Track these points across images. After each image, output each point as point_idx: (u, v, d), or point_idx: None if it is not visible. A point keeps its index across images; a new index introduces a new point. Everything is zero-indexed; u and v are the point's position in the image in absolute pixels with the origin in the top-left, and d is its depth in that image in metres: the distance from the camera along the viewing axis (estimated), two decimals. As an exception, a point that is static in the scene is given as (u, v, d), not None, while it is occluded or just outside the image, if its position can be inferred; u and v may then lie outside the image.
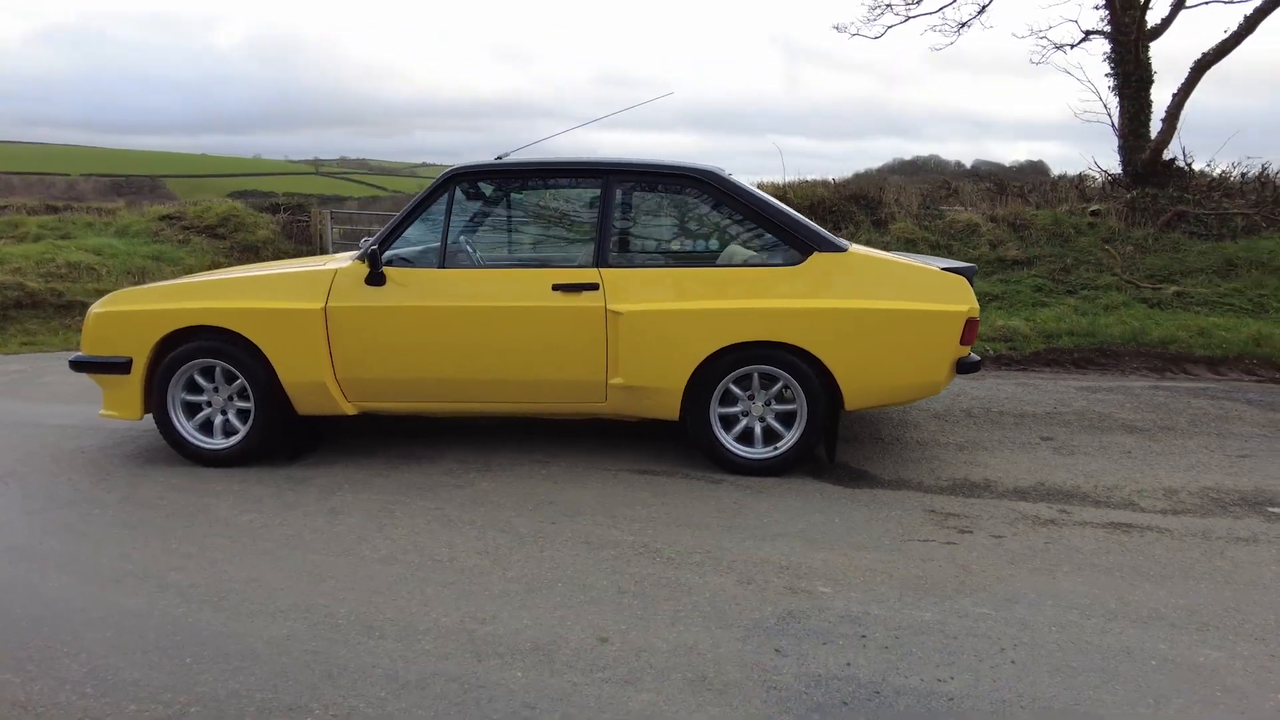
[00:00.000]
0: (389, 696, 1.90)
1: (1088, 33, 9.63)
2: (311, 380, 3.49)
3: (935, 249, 8.54)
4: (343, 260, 3.96)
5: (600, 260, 3.45)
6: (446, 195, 3.54)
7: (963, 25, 11.33)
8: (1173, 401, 4.64)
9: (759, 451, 3.44)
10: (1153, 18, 8.73)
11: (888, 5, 11.16)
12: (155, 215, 11.51)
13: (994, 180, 10.65)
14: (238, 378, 3.53)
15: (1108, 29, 9.11)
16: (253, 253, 11.02)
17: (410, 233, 3.60)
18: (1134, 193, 8.45)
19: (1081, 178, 9.58)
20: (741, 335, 3.30)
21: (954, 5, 10.91)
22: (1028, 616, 2.28)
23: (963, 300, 3.36)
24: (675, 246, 3.78)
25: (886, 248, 8.28)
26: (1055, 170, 16.75)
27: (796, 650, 2.10)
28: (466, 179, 3.58)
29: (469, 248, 3.90)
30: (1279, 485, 3.30)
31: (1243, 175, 8.55)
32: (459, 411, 3.62)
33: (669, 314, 3.32)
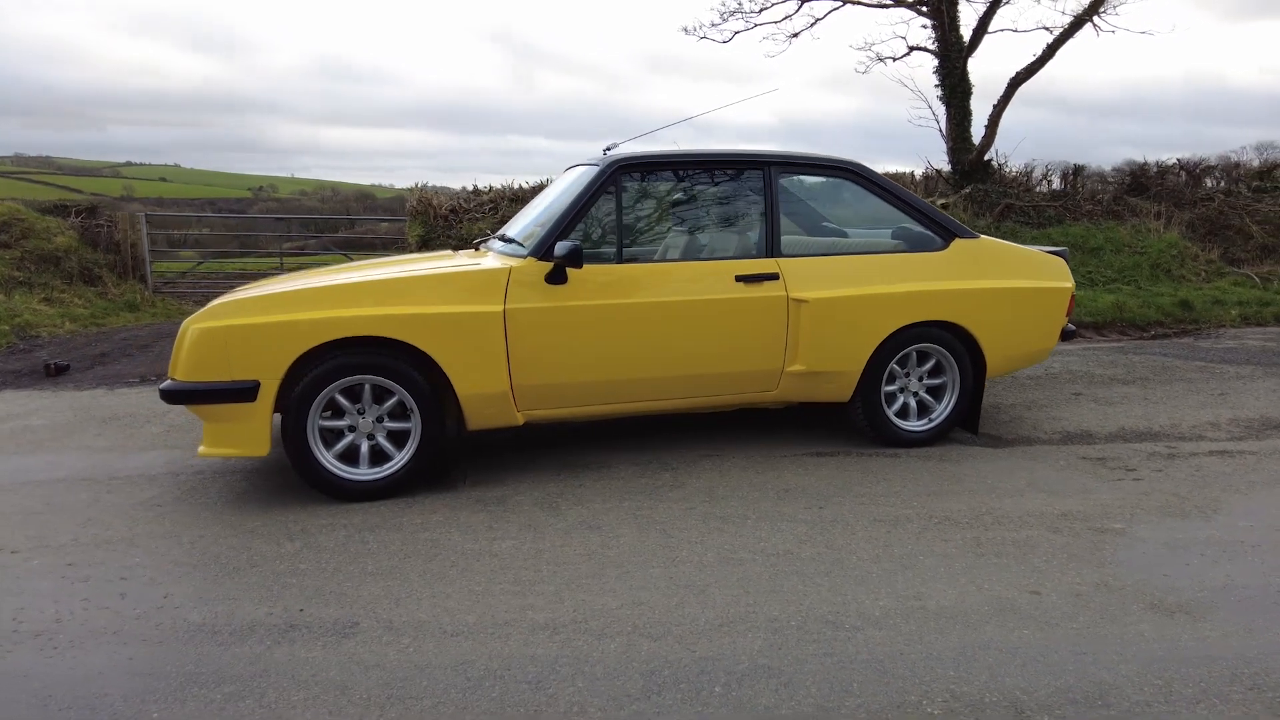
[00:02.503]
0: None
1: (912, 48, 11.10)
2: (492, 390, 3.16)
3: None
4: (464, 256, 3.61)
5: (772, 250, 3.51)
6: (614, 187, 3.38)
7: (794, 36, 12.46)
8: (1121, 359, 5.67)
9: (917, 424, 3.73)
10: (967, 37, 10.31)
11: (734, 11, 11.92)
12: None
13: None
14: (391, 395, 3.10)
15: (933, 46, 10.58)
16: (53, 264, 9.09)
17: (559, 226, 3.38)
18: (969, 188, 9.93)
19: (925, 176, 11.02)
20: (913, 316, 3.56)
21: (790, 18, 11.93)
22: (1275, 521, 2.81)
23: (1066, 278, 3.90)
24: (833, 234, 3.92)
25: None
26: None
27: (1185, 571, 2.43)
28: (630, 170, 3.44)
29: (640, 241, 3.73)
30: (1274, 411, 4.25)
31: (1045, 174, 10.43)
32: (627, 413, 3.49)
33: (851, 299, 3.49)
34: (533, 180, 10.33)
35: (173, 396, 2.94)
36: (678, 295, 3.35)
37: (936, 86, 10.73)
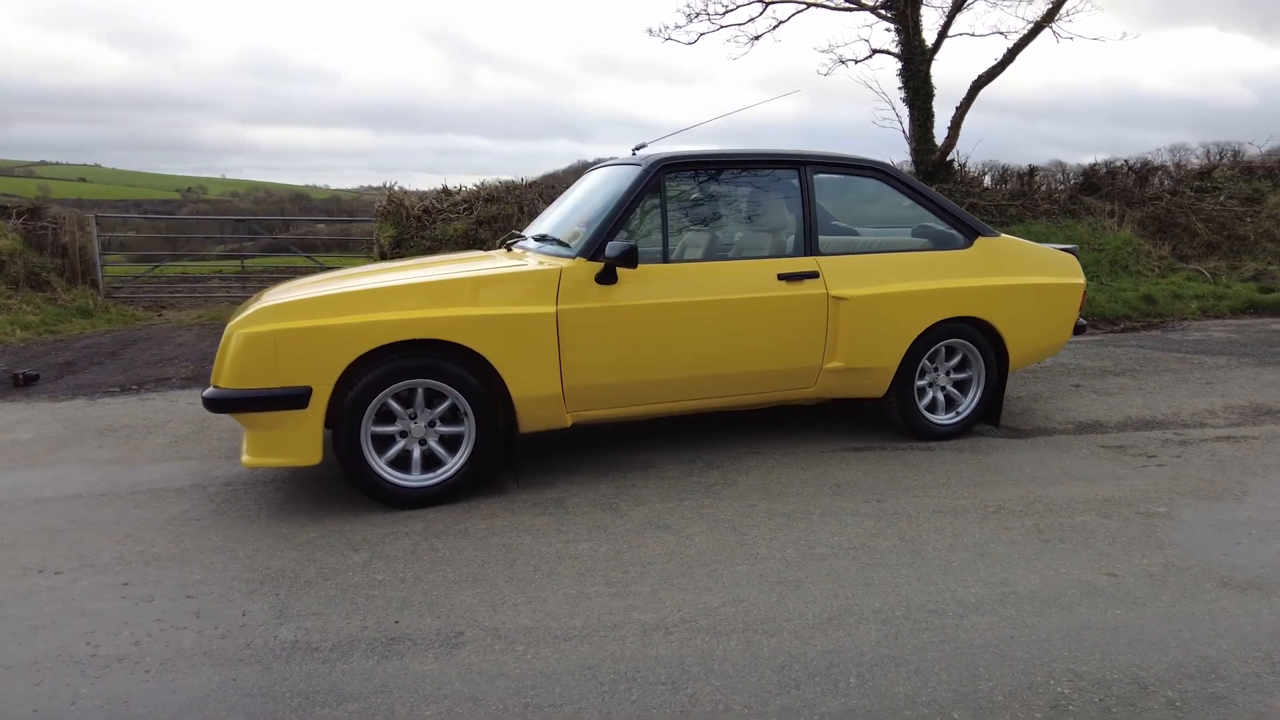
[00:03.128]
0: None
1: (875, 51, 11.36)
2: (546, 393, 3.13)
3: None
4: (502, 257, 3.55)
5: (810, 248, 3.56)
6: (658, 186, 3.38)
7: (755, 38, 12.62)
8: (1104, 352, 5.92)
9: (945, 417, 3.83)
10: (930, 40, 10.63)
11: (700, 13, 12.01)
12: None
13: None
14: (442, 399, 3.04)
15: (897, 49, 10.85)
16: (-3, 268, 8.58)
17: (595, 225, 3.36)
18: (934, 188, 10.22)
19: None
20: (945, 313, 3.66)
21: (754, 20, 12.08)
22: (1300, 504, 2.98)
23: (1079, 274, 4.07)
24: (864, 233, 3.99)
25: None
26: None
27: (1239, 550, 2.56)
28: (672, 169, 3.44)
29: (681, 240, 3.72)
30: (1261, 398, 4.51)
31: (1002, 174, 10.80)
32: (672, 412, 3.49)
33: (889, 296, 3.56)
34: (504, 177, 10.22)
35: (218, 404, 2.82)
36: (723, 294, 3.37)
37: (900, 89, 11.02)
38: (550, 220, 3.90)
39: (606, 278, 3.19)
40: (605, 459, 3.57)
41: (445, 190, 10.26)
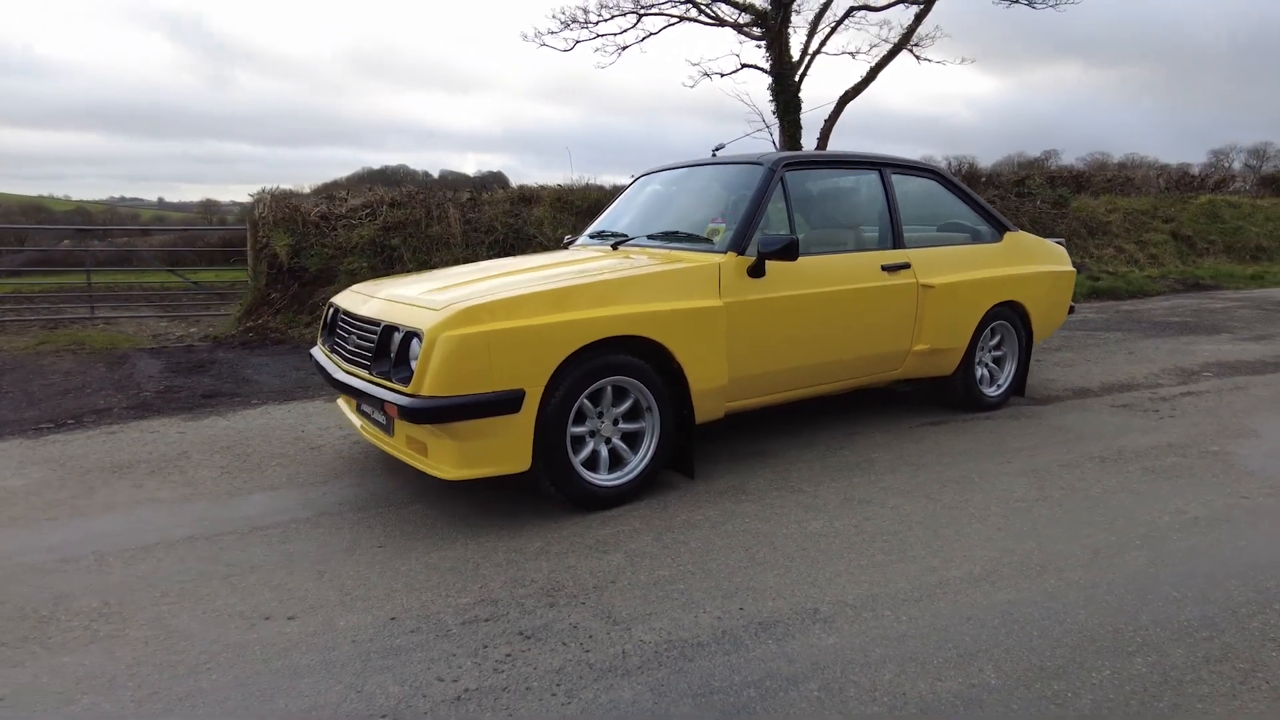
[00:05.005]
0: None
1: (744, 65, 12.15)
2: (716, 385, 3.20)
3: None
4: (610, 256, 3.53)
5: (898, 242, 3.91)
6: (782, 183, 3.55)
7: (623, 49, 12.99)
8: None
9: (991, 390, 4.35)
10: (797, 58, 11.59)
11: (574, 20, 12.15)
12: None
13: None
14: (626, 397, 3.02)
15: (767, 65, 11.69)
16: None
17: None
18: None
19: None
20: (999, 297, 4.17)
21: (626, 32, 12.44)
22: (1294, 436, 3.79)
23: (1069, 262, 4.77)
24: (927, 227, 4.36)
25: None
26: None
27: (1308, 474, 3.24)
28: (791, 167, 3.62)
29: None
30: (1179, 362, 5.52)
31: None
32: (797, 399, 3.68)
33: (964, 284, 4.00)
34: (284, 185, 9.65)
35: (426, 415, 2.59)
36: (844, 284, 3.61)
37: (770, 102, 11.87)
38: (637, 221, 3.95)
39: (757, 271, 3.32)
40: (730, 450, 3.66)
41: (330, 195, 9.55)
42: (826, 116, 11.46)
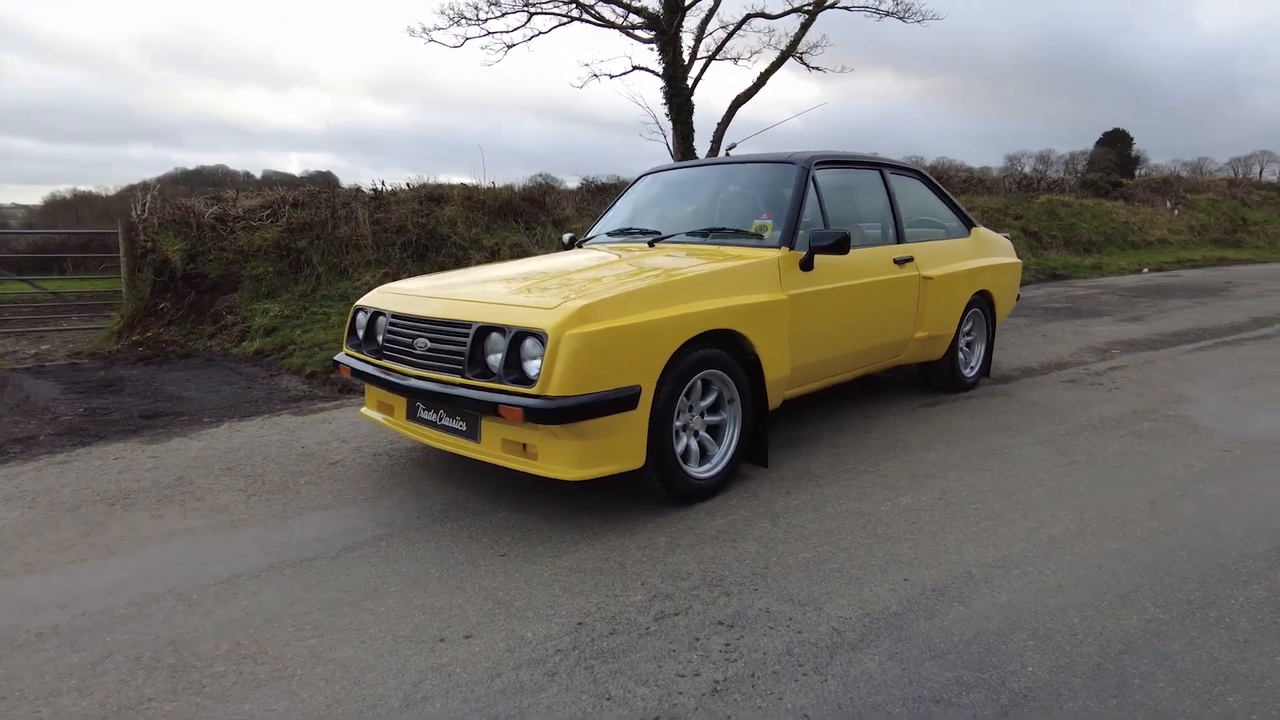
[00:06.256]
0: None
1: (636, 67, 12.32)
2: (784, 375, 3.32)
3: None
4: (621, 252, 3.55)
5: (900, 237, 4.20)
6: (814, 181, 3.72)
7: (510, 47, 12.80)
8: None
9: (968, 372, 4.76)
10: (695, 65, 11.91)
11: (462, 17, 11.83)
12: None
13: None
14: (710, 390, 3.08)
15: (660, 69, 11.93)
16: None
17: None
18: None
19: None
20: (979, 286, 4.58)
21: (517, 29, 12.27)
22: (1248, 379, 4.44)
23: (1016, 254, 5.29)
24: (916, 224, 4.65)
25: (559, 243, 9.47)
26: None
27: (1265, 419, 3.81)
28: (820, 166, 3.79)
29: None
30: (1090, 343, 6.26)
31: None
32: (825, 386, 3.86)
33: (955, 275, 4.36)
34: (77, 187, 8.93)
35: (556, 415, 2.51)
36: (870, 277, 3.84)
37: (663, 104, 12.13)
38: (666, 218, 4.00)
39: (807, 265, 3.46)
40: (774, 437, 3.79)
41: (216, 197, 8.74)
42: (720, 119, 11.91)
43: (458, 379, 2.78)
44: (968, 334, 4.79)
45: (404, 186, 9.68)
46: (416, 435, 3.13)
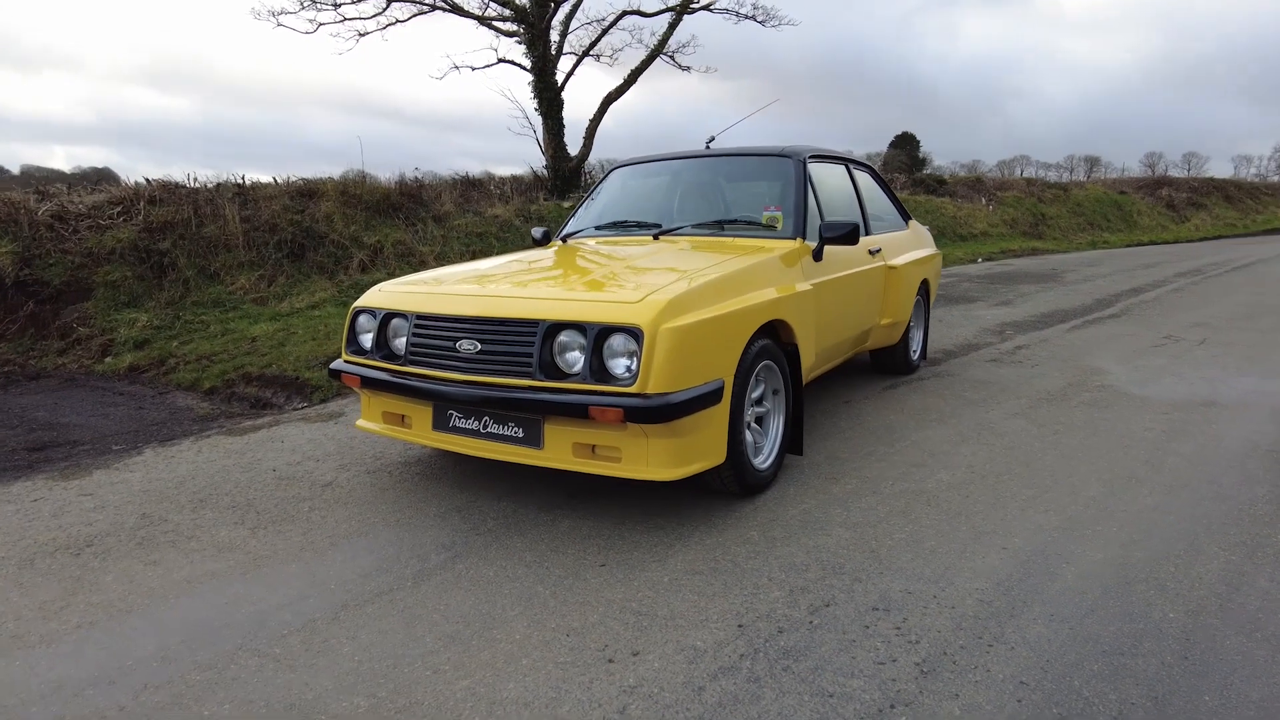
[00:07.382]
0: None
1: (501, 60, 11.97)
2: (814, 364, 3.39)
3: (479, 238, 9.73)
4: (630, 247, 3.51)
5: (867, 229, 4.40)
6: (809, 175, 3.81)
7: (363, 35, 12.03)
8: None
9: (914, 355, 5.08)
10: (566, 62, 11.74)
11: (315, 0, 10.96)
12: None
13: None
14: (759, 382, 3.09)
15: (528, 63, 11.67)
16: None
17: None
18: (574, 194, 11.43)
19: (537, 178, 11.96)
20: (923, 275, 4.90)
21: (375, 17, 11.55)
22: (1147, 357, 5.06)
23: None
24: (869, 217, 4.83)
25: (445, 240, 9.11)
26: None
27: (1184, 377, 4.37)
28: (812, 160, 3.88)
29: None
30: (990, 325, 6.87)
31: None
32: (816, 375, 3.97)
33: (911, 264, 4.63)
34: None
35: (659, 413, 2.39)
36: (858, 266, 3.99)
37: (532, 98, 11.89)
38: (661, 210, 3.93)
39: (819, 254, 3.55)
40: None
41: (41, 191, 7.50)
42: (592, 116, 11.86)
43: (525, 381, 2.58)
44: (911, 320, 5.12)
45: (272, 181, 8.81)
46: (446, 445, 2.87)
